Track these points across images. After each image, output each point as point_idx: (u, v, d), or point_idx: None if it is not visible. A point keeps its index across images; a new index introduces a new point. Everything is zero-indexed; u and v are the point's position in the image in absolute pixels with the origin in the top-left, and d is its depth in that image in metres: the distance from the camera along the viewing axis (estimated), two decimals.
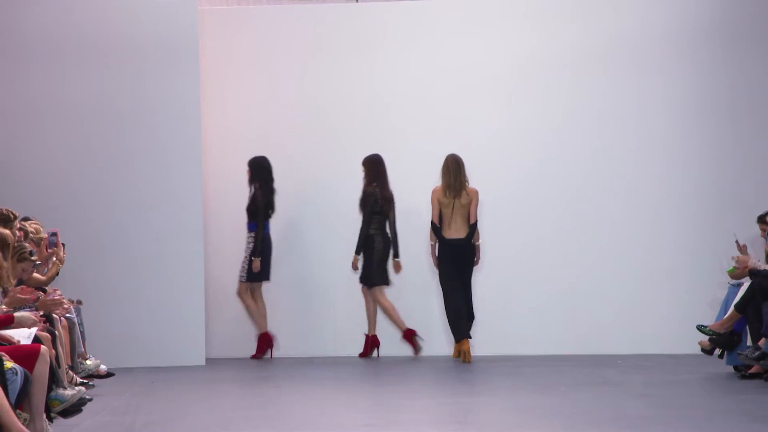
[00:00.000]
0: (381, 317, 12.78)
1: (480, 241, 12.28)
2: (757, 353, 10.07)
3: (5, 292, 7.99)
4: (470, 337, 12.11)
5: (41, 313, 8.25)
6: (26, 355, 6.97)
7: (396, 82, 13.09)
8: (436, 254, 12.21)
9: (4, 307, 7.77)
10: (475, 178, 12.38)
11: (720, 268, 11.72)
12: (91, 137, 12.16)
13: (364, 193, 12.67)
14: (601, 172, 12.88)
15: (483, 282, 12.60)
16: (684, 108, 12.84)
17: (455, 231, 12.12)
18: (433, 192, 12.19)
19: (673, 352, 12.41)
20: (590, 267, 12.80)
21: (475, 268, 12.21)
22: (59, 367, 8.25)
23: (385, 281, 12.71)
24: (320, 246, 12.96)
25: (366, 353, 12.76)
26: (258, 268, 12.54)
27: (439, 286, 12.27)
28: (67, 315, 9.38)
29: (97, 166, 12.15)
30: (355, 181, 12.75)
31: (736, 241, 11.15)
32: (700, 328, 10.72)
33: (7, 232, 8.10)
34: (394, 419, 8.49)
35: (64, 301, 8.87)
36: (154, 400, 9.69)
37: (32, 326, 7.38)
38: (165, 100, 12.18)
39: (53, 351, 7.97)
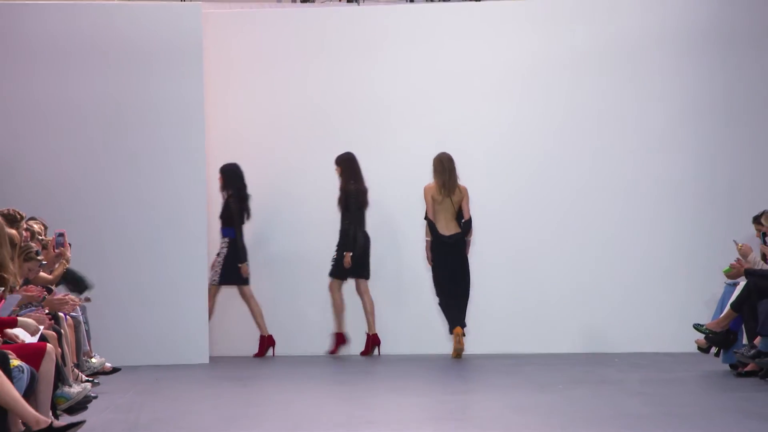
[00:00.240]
0: (380, 314, 12.76)
1: (472, 236, 12.39)
2: (752, 351, 10.11)
3: (12, 291, 8.08)
4: (464, 326, 12.19)
5: (47, 310, 8.36)
6: (33, 354, 7.04)
7: (397, 84, 13.09)
8: (431, 250, 12.34)
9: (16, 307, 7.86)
10: (475, 178, 12.46)
11: (717, 267, 11.76)
12: (94, 139, 12.21)
13: (345, 192, 12.66)
14: (601, 172, 12.87)
15: (482, 281, 12.61)
16: (683, 108, 12.82)
17: (449, 227, 12.25)
18: (427, 189, 12.27)
19: (670, 350, 12.40)
20: (589, 266, 12.81)
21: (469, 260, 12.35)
22: (65, 365, 8.34)
23: (365, 275, 12.76)
24: (321, 246, 12.94)
25: (367, 351, 12.82)
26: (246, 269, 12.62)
27: (432, 283, 12.40)
28: (73, 314, 9.47)
29: (100, 168, 12.19)
30: None
31: (735, 241, 11.14)
32: (697, 327, 10.74)
33: (14, 232, 8.14)
34: (394, 417, 8.54)
35: (72, 297, 8.99)
36: (158, 397, 9.74)
37: (34, 334, 7.42)
38: (168, 103, 12.23)
39: (59, 349, 8.07)
